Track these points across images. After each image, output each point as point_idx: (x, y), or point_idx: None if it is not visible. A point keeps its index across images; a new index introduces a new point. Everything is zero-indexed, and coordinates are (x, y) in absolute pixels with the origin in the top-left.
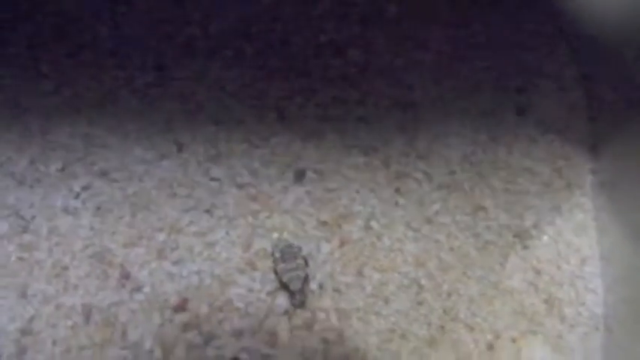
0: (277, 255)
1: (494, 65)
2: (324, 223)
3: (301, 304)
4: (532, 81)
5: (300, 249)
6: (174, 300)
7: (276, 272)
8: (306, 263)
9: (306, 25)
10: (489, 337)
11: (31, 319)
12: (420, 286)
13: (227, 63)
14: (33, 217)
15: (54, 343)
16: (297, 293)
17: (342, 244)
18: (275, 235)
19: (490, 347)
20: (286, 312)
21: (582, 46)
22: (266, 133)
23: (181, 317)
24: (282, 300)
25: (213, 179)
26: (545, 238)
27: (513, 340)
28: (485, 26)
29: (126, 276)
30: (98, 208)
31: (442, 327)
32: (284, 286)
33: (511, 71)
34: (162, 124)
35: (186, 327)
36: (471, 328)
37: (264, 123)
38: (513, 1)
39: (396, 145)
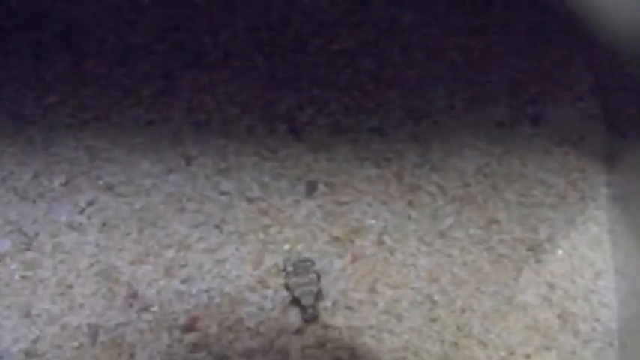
0: (289, 269)
1: (508, 75)
2: (336, 239)
3: (313, 319)
4: (547, 92)
5: (312, 263)
6: (183, 319)
7: (287, 286)
8: (318, 278)
9: (318, 33)
10: (503, 353)
11: (36, 339)
12: (434, 302)
13: (236, 73)
14: (36, 234)
15: None
16: (309, 308)
17: (354, 259)
18: (287, 247)
19: None
20: (298, 330)
21: (599, 57)
22: (276, 145)
23: (190, 337)
24: (293, 317)
25: (222, 193)
26: (559, 251)
27: (527, 356)
28: (501, 36)
29: (133, 295)
30: (104, 224)
31: (455, 344)
32: (296, 301)
33: (526, 82)
34: (170, 137)
35: (195, 347)
36: (484, 345)
37: (274, 135)
38: (529, 11)
39: (409, 157)
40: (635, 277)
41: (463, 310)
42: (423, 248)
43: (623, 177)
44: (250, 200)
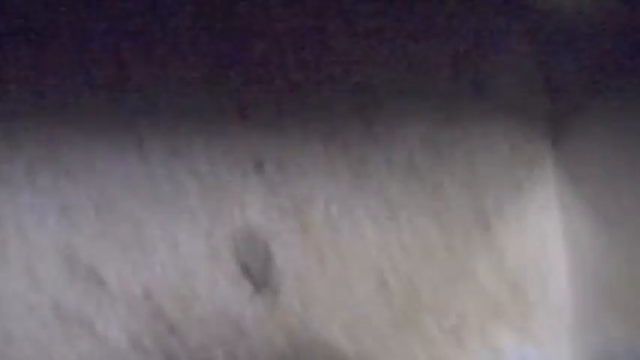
0: (239, 240)
1: (451, 46)
2: (285, 211)
3: (264, 286)
4: (490, 60)
5: (260, 233)
6: (139, 292)
7: (238, 257)
8: (267, 247)
9: (263, 14)
10: (454, 321)
11: (1, 317)
12: (381, 271)
13: (185, 56)
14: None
15: (24, 339)
16: (258, 276)
17: (303, 230)
18: (237, 222)
19: (455, 331)
20: (250, 299)
21: (537, 23)
22: (225, 124)
23: (147, 309)
24: (244, 287)
25: (173, 173)
26: (507, 217)
27: (478, 324)
28: (443, 7)
29: (92, 271)
30: (63, 207)
31: (405, 311)
32: (246, 270)
33: (469, 51)
34: (124, 121)
35: (152, 318)
36: (435, 312)
37: (223, 115)
38: None
39: (354, 130)
40: (583, 241)
41: (411, 279)
42: (369, 219)
43: (569, 142)
44: (201, 178)
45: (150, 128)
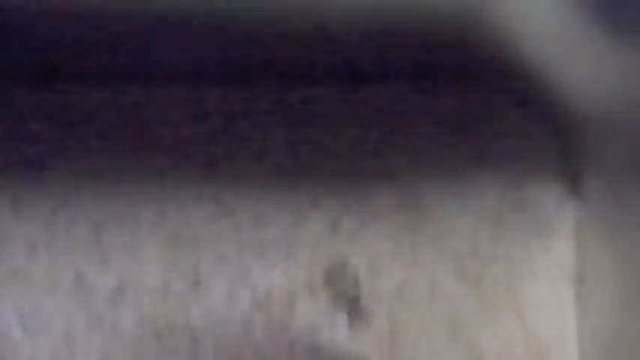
0: (328, 274)
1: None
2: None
3: (358, 321)
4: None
5: (350, 266)
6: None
7: (331, 289)
8: (358, 283)
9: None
10: None
11: None
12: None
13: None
14: None
15: None
16: (351, 311)
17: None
18: (328, 254)
19: None
20: (342, 327)
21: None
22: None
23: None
24: (338, 316)
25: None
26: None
27: None
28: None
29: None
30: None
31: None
32: (338, 300)
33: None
34: (215, 194)
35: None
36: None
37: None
38: None
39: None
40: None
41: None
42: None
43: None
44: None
45: (237, 199)
